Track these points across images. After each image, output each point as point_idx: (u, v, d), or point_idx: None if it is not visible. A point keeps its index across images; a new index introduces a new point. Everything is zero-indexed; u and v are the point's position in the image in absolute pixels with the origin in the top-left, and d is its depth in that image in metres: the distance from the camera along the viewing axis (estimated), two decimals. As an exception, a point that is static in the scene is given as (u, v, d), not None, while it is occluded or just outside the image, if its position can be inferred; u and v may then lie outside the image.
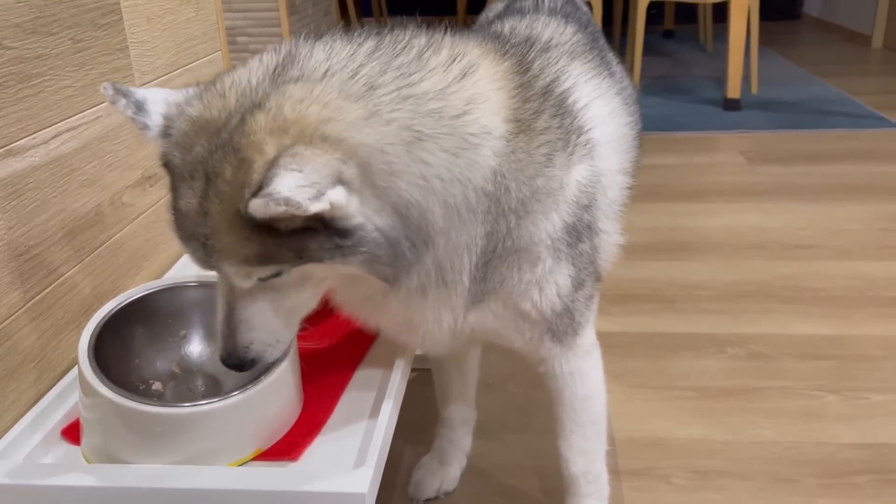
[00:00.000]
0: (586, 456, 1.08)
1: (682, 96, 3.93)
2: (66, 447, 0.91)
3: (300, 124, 0.72)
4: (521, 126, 0.85)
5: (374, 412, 0.92)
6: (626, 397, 1.58)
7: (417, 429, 1.44)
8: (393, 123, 0.75)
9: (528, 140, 0.85)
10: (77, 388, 0.87)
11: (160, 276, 1.31)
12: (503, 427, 1.49)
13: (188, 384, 0.97)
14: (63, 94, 1.06)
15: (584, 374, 1.02)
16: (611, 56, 1.18)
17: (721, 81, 3.90)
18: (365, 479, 0.77)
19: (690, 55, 4.94)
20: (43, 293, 1.02)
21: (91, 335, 0.89)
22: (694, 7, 5.07)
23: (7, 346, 0.94)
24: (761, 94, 3.86)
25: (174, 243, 1.37)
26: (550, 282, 0.90)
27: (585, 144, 0.92)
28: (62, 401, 0.96)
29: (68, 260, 1.07)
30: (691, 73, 4.44)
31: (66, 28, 1.07)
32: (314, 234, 0.72)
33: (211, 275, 1.00)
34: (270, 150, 0.70)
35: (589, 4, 1.45)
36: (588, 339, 1.02)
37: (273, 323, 0.82)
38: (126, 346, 0.95)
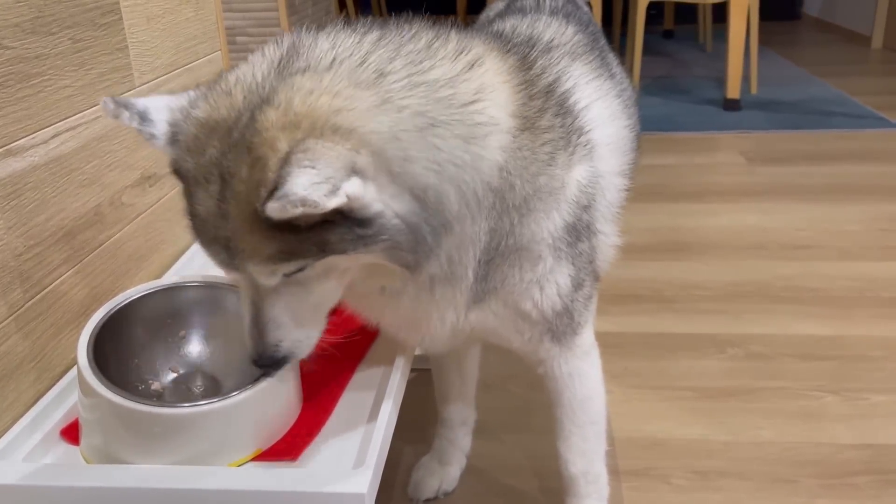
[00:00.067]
0: (585, 456, 1.08)
1: (682, 96, 3.93)
2: (65, 447, 0.91)
3: (311, 117, 0.71)
4: (526, 123, 0.85)
5: (374, 412, 0.92)
6: (626, 397, 1.58)
7: (417, 429, 1.44)
8: (406, 110, 0.75)
9: (532, 138, 0.85)
10: (76, 388, 0.87)
11: (159, 276, 1.30)
12: (503, 427, 1.49)
13: (188, 384, 0.97)
14: (62, 94, 1.06)
15: (582, 374, 1.02)
16: (611, 57, 1.18)
17: (721, 81, 3.90)
18: (364, 479, 0.78)
19: (690, 55, 4.94)
20: (42, 293, 1.02)
21: (90, 335, 0.89)
22: (694, 7, 5.07)
23: (6, 346, 0.94)
24: (761, 94, 3.86)
25: (174, 243, 1.37)
26: (551, 281, 0.91)
27: (586, 145, 0.92)
28: (61, 401, 0.96)
29: (68, 260, 1.07)
30: (691, 74, 4.43)
31: (66, 28, 1.06)
32: (335, 227, 0.71)
33: (211, 275, 1.00)
34: (283, 146, 0.69)
35: (589, 4, 1.45)
36: (587, 339, 1.02)
37: (301, 318, 0.81)
38: (125, 346, 0.95)
